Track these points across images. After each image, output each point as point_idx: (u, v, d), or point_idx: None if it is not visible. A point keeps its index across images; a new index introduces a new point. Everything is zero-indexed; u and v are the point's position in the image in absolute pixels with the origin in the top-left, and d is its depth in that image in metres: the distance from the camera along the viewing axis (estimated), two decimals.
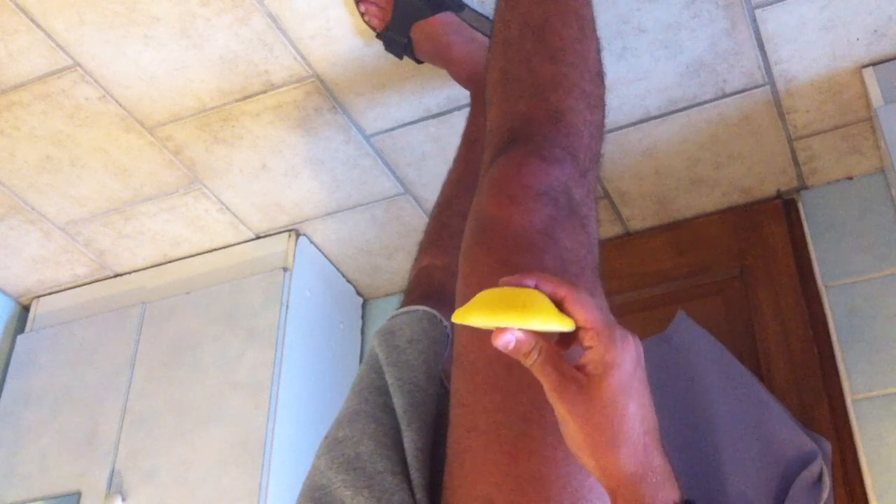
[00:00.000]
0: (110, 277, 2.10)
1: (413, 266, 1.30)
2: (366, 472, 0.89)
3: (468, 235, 0.92)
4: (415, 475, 0.88)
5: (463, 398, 0.85)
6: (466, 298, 0.88)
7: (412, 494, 0.87)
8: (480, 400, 0.83)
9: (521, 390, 0.80)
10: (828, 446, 1.51)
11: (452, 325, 1.07)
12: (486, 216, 0.89)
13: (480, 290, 0.85)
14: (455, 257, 1.21)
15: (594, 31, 1.02)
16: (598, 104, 1.00)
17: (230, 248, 2.00)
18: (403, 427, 0.92)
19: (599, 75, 1.01)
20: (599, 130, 0.99)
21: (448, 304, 1.10)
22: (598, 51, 1.01)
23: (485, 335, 0.83)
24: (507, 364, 0.80)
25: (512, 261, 0.85)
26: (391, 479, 0.88)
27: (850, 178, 1.78)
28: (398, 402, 0.95)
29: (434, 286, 1.19)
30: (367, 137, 1.72)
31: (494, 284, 0.83)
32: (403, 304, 1.18)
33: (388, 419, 0.95)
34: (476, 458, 0.81)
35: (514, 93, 0.97)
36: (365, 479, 0.88)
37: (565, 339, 0.70)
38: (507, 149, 0.92)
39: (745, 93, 1.61)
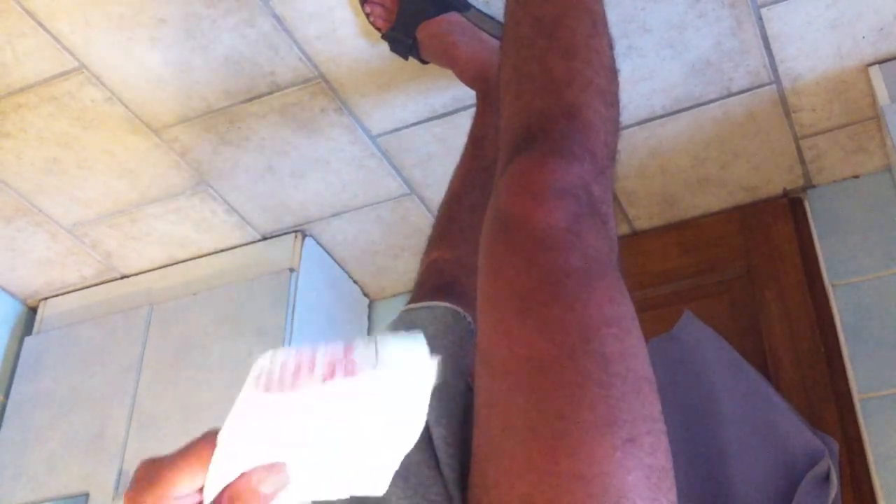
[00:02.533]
0: (117, 279, 2.10)
1: (422, 261, 1.30)
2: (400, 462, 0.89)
3: (488, 234, 0.91)
4: (446, 470, 0.88)
5: (493, 398, 0.84)
6: (492, 298, 0.88)
7: (446, 489, 0.87)
8: (514, 400, 0.81)
9: (556, 389, 0.79)
10: (835, 445, 1.51)
11: (475, 320, 1.07)
12: (509, 214, 0.88)
13: (508, 289, 0.85)
14: (464, 251, 1.20)
15: (606, 26, 1.02)
16: (613, 101, 0.99)
17: (237, 250, 2.00)
18: (431, 422, 0.92)
19: (613, 71, 1.01)
20: (615, 127, 0.99)
21: (458, 296, 1.10)
22: (611, 47, 1.01)
23: (515, 334, 0.83)
24: (540, 364, 0.80)
25: (538, 259, 0.84)
26: (427, 472, 0.87)
27: (857, 177, 1.78)
28: None
29: (444, 279, 1.19)
30: (373, 138, 1.72)
31: (522, 284, 0.83)
32: (414, 298, 1.18)
33: None
34: (513, 458, 0.79)
35: (528, 90, 0.96)
36: (401, 469, 0.87)
37: None
38: (524, 147, 0.91)
39: (751, 91, 1.60)
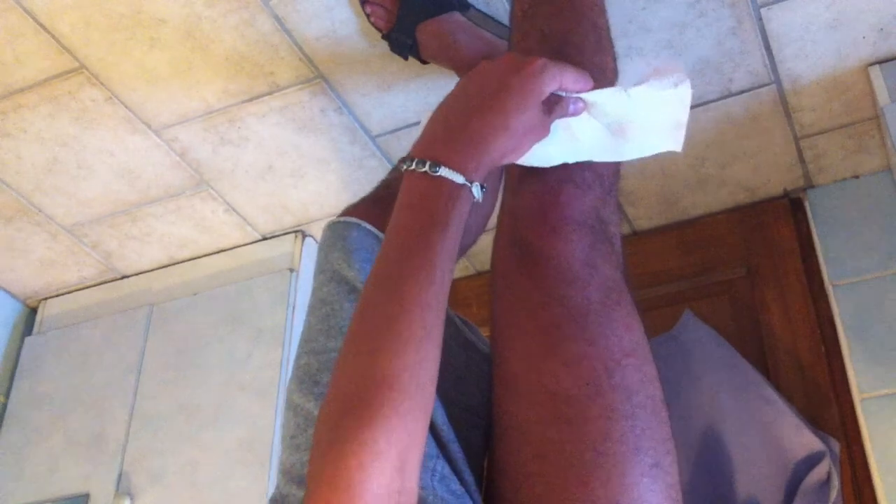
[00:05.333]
0: (117, 279, 2.10)
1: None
2: None
3: (505, 261, 0.94)
4: (454, 452, 0.89)
5: (522, 425, 0.87)
6: (514, 328, 0.90)
7: (456, 474, 0.87)
8: (546, 430, 0.85)
9: (588, 422, 0.83)
10: (836, 446, 1.51)
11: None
12: (528, 246, 0.91)
13: (531, 322, 0.89)
14: None
15: (610, 40, 1.04)
16: None
17: (237, 250, 2.00)
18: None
19: None
20: None
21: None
22: (615, 60, 1.03)
23: (541, 368, 0.86)
24: (567, 398, 0.84)
25: (559, 293, 0.88)
26: (440, 466, 0.88)
27: (857, 177, 1.78)
28: None
29: (390, 190, 1.18)
30: (373, 138, 1.72)
31: (545, 318, 0.87)
32: (354, 205, 1.21)
33: None
34: (549, 484, 0.83)
35: None
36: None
37: None
38: (536, 170, 0.94)
39: (751, 92, 1.60)
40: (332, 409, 0.71)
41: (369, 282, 0.77)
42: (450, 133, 0.81)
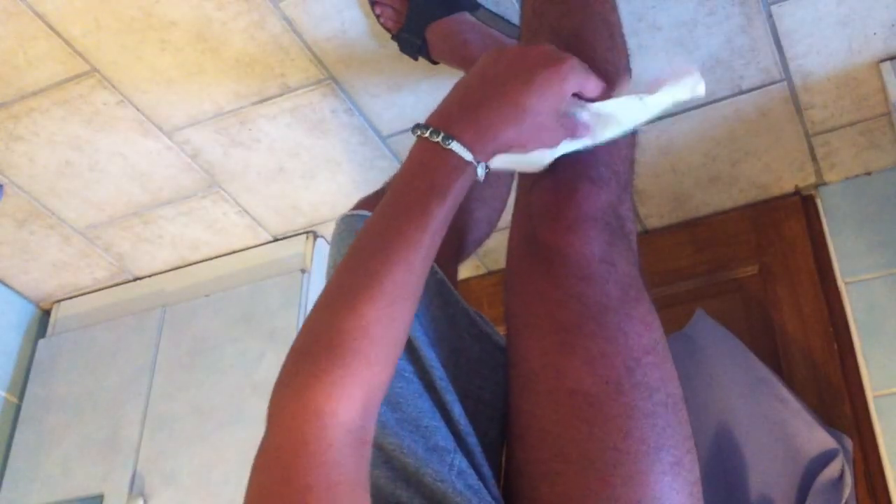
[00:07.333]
0: (130, 281, 2.11)
1: None
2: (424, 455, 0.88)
3: (521, 259, 0.93)
4: (472, 446, 0.89)
5: (543, 425, 0.87)
6: (532, 327, 0.90)
7: (474, 469, 0.87)
8: (566, 430, 0.85)
9: (608, 421, 0.83)
10: (849, 443, 1.51)
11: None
12: (545, 245, 0.91)
13: (550, 321, 0.89)
14: None
15: (622, 36, 1.03)
16: None
17: (248, 251, 2.00)
18: (448, 402, 0.91)
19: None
20: (633, 138, 1.01)
21: None
22: (628, 58, 1.02)
23: (561, 368, 0.86)
24: (587, 397, 0.84)
25: (577, 291, 0.87)
26: (459, 459, 0.87)
27: (869, 174, 1.77)
28: (431, 364, 0.93)
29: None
30: (384, 139, 1.72)
31: (564, 317, 0.87)
32: (366, 199, 1.21)
33: (413, 375, 0.92)
34: (569, 483, 0.83)
35: None
36: (431, 456, 0.87)
37: None
38: (551, 168, 0.93)
39: (762, 89, 1.60)
40: (304, 345, 0.73)
41: (361, 234, 0.80)
42: (467, 111, 0.83)
